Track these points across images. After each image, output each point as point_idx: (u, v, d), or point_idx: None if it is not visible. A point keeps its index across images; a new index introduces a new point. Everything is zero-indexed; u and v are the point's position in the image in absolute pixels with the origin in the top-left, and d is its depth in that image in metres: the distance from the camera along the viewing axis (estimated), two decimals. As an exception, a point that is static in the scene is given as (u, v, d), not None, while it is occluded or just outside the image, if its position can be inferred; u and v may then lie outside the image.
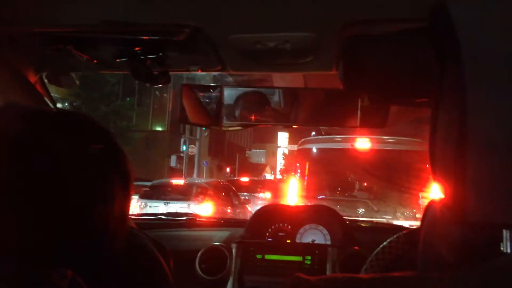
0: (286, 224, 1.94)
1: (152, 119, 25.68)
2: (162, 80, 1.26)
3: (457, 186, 0.48)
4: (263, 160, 36.70)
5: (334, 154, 5.91)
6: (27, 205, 0.59)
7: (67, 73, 1.42)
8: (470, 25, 0.47)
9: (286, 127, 1.46)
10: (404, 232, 0.99)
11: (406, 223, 4.30)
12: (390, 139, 5.62)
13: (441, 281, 0.48)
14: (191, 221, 2.18)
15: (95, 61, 1.25)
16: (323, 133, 6.60)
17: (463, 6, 0.48)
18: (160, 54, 1.19)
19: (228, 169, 29.87)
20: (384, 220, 4.85)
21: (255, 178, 20.18)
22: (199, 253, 1.76)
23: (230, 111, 1.42)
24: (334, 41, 1.09)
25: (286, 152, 32.65)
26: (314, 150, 6.17)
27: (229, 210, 10.36)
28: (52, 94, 1.45)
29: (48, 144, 0.62)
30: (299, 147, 6.36)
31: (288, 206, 2.31)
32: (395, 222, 4.75)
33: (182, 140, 20.90)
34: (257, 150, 37.94)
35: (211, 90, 1.45)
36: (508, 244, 0.48)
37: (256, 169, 33.12)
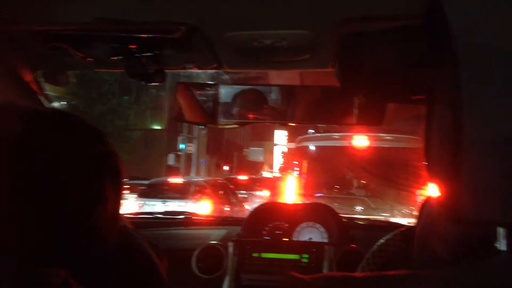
0: (283, 222, 1.94)
1: (150, 117, 25.65)
2: (158, 78, 1.26)
3: (452, 184, 0.48)
4: (261, 158, 36.67)
5: (332, 151, 5.91)
6: (17, 205, 0.59)
7: (63, 71, 1.42)
8: (465, 23, 0.47)
9: (283, 125, 1.45)
10: (401, 229, 0.99)
11: (403, 221, 4.30)
12: (387, 136, 5.62)
13: (436, 279, 0.48)
14: (188, 219, 2.18)
15: (90, 59, 1.24)
16: (321, 131, 6.61)
17: (458, 3, 0.48)
18: (156, 52, 1.18)
19: (226, 167, 29.87)
20: (381, 218, 4.86)
21: (253, 176, 20.15)
22: (196, 252, 1.75)
23: (226, 109, 1.42)
24: (330, 39, 1.09)
25: (285, 150, 32.64)
26: (312, 147, 6.17)
27: (227, 209, 10.35)
28: (49, 93, 1.44)
29: (41, 144, 0.62)
30: (297, 145, 6.35)
31: (285, 204, 2.31)
32: (393, 220, 4.75)
33: (180, 138, 20.88)
34: (255, 148, 37.93)
35: (207, 88, 1.44)
36: (503, 241, 0.48)
37: (254, 167, 33.11)
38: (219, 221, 2.27)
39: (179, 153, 21.39)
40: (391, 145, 5.58)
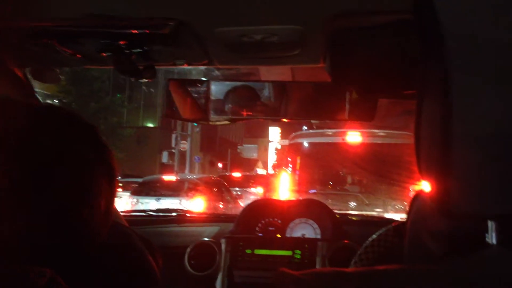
0: (276, 219, 1.94)
1: (143, 115, 25.60)
2: (148, 74, 1.25)
3: (442, 178, 0.47)
4: (255, 155, 36.74)
5: (325, 148, 5.93)
6: (3, 201, 0.58)
7: (51, 68, 1.40)
8: (454, 16, 0.47)
9: (274, 121, 1.45)
10: (393, 225, 0.99)
11: (397, 216, 4.32)
12: (381, 132, 5.64)
13: (427, 273, 0.47)
14: (181, 217, 2.17)
15: (79, 56, 1.23)
16: (314, 127, 6.62)
17: None
18: (145, 48, 1.17)
19: (220, 165, 29.88)
20: (375, 214, 4.88)
21: (247, 173, 20.17)
22: (188, 249, 1.75)
23: (218, 105, 1.41)
24: (321, 34, 1.09)
25: (278, 147, 32.70)
26: (305, 144, 6.18)
27: (221, 206, 10.36)
28: (41, 91, 1.43)
29: (33, 139, 0.61)
30: (290, 142, 6.36)
31: (278, 200, 2.31)
32: (386, 215, 4.78)
33: (174, 136, 20.85)
34: (249, 145, 37.97)
35: (198, 85, 1.43)
36: (494, 235, 0.48)
37: (248, 164, 33.15)
38: (212, 218, 2.26)
39: (172, 150, 21.36)
40: (384, 141, 5.60)
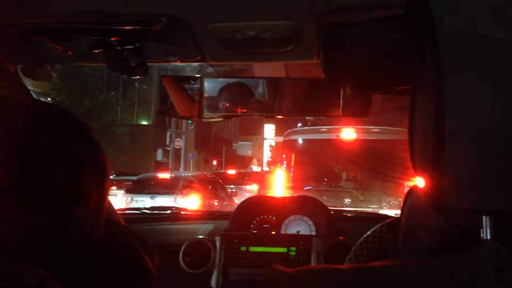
0: (270, 216, 1.94)
1: (137, 113, 25.54)
2: (140, 71, 1.24)
3: (436, 173, 0.47)
4: (249, 153, 36.81)
5: (320, 144, 5.94)
6: (5, 201, 0.57)
7: (43, 65, 1.39)
8: (448, 12, 0.46)
9: (268, 118, 1.45)
10: (388, 221, 0.99)
11: (391, 212, 4.34)
12: (375, 129, 5.66)
13: (421, 269, 0.47)
14: (175, 214, 2.16)
15: (70, 52, 1.22)
16: (309, 124, 6.63)
17: None
18: (137, 44, 1.16)
19: (214, 162, 29.87)
20: (370, 210, 4.89)
21: (242, 171, 20.20)
22: (183, 247, 1.74)
23: (211, 102, 1.40)
24: (314, 29, 1.08)
25: (273, 144, 32.74)
26: (300, 141, 6.19)
27: (216, 203, 10.36)
28: (33, 89, 1.42)
29: (29, 138, 0.60)
30: (285, 139, 6.37)
31: (272, 197, 2.31)
32: (381, 212, 4.79)
33: (168, 133, 20.82)
34: (244, 142, 38.02)
35: (192, 81, 1.43)
36: (488, 230, 0.48)
37: (243, 162, 33.18)
38: (206, 215, 2.26)
39: (167, 148, 21.33)
40: (378, 137, 5.62)
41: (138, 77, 1.26)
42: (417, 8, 0.49)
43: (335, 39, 1.06)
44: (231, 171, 17.38)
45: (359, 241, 0.99)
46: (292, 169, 6.05)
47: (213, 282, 1.67)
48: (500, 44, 0.45)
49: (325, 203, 2.00)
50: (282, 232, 1.89)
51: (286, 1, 1.00)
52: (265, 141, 36.74)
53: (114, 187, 11.93)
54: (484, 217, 0.48)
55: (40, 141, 0.61)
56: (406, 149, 0.55)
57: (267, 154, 34.70)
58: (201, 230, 1.93)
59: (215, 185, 11.21)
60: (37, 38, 1.13)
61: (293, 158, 6.08)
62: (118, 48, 1.15)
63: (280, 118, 1.50)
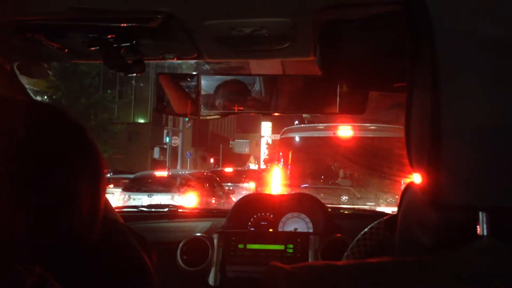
0: (268, 213, 1.94)
1: (134, 111, 25.51)
2: (137, 68, 1.23)
3: (432, 170, 0.47)
4: (247, 150, 36.79)
5: (317, 142, 5.95)
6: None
7: (39, 63, 1.38)
8: (444, 9, 0.46)
9: (265, 115, 1.45)
10: (385, 218, 0.99)
11: (388, 209, 4.35)
12: (372, 126, 5.67)
13: (418, 265, 0.47)
14: (172, 212, 2.16)
15: (66, 50, 1.21)
16: (306, 121, 6.63)
17: None
18: (134, 42, 1.16)
19: (212, 160, 29.86)
20: (366, 207, 4.90)
21: (239, 168, 20.20)
22: (181, 244, 1.74)
23: (208, 99, 1.40)
24: (310, 26, 1.08)
25: (270, 141, 32.75)
26: (297, 138, 6.19)
27: (213, 201, 10.36)
28: (29, 87, 1.41)
29: (18, 136, 0.60)
30: (282, 136, 6.38)
31: (270, 195, 2.31)
32: (378, 209, 4.80)
33: (165, 131, 20.80)
34: (241, 140, 38.00)
35: (188, 79, 1.42)
36: (485, 226, 0.48)
37: (240, 159, 33.19)
38: (204, 213, 2.26)
39: (164, 146, 21.31)
40: (375, 135, 5.63)
41: (134, 74, 1.26)
42: (413, 5, 0.49)
43: (331, 36, 1.06)
44: (228, 169, 17.37)
45: (356, 238, 1.00)
46: (289, 167, 6.06)
47: (210, 279, 1.67)
48: (496, 43, 0.45)
49: (322, 201, 2.00)
50: (280, 229, 1.89)
51: None
52: (262, 139, 36.75)
53: (111, 185, 11.92)
54: (480, 213, 0.48)
55: (34, 140, 0.60)
56: (403, 147, 0.55)
57: (264, 152, 34.71)
58: (199, 228, 1.93)
59: (212, 183, 11.21)
60: (33, 36, 1.12)
61: (290, 156, 6.09)
62: (114, 45, 1.15)
63: (277, 115, 1.50)
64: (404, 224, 0.63)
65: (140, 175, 11.15)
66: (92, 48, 1.16)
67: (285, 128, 6.38)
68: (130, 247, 0.76)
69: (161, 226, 2.01)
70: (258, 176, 15.10)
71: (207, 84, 1.40)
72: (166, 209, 2.20)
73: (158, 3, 1.01)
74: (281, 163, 6.14)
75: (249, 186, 14.36)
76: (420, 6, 0.47)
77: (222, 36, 1.15)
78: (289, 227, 1.90)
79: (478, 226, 0.48)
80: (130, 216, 2.14)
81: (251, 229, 1.91)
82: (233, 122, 38.25)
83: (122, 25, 1.08)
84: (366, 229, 0.99)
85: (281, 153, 6.26)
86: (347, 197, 5.62)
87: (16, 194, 0.58)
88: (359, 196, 5.59)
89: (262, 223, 1.93)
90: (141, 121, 25.59)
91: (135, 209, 2.35)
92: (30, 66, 1.36)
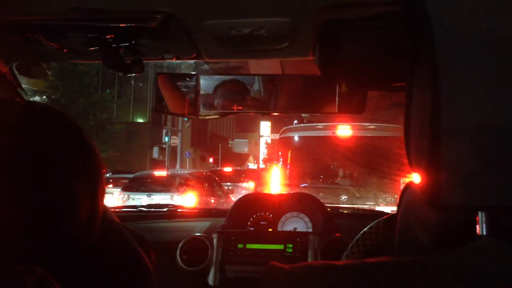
0: (267, 213, 1.94)
1: (133, 110, 25.49)
2: (136, 68, 1.23)
3: (432, 170, 0.47)
4: (246, 150, 36.80)
5: (316, 141, 5.95)
6: None
7: (38, 63, 1.38)
8: (443, 8, 0.46)
9: (264, 115, 1.45)
10: (384, 217, 0.99)
11: (388, 209, 4.35)
12: (371, 125, 5.67)
13: (417, 265, 0.47)
14: (172, 212, 2.16)
15: (65, 50, 1.21)
16: (305, 121, 6.63)
17: None
18: (133, 42, 1.16)
19: (211, 160, 29.86)
20: (366, 207, 4.90)
21: (238, 168, 20.17)
22: (180, 244, 1.74)
23: (207, 99, 1.40)
24: (310, 26, 1.08)
25: (269, 141, 32.75)
26: (296, 138, 6.19)
27: (212, 201, 10.35)
28: (29, 87, 1.41)
29: (13, 137, 0.60)
30: (281, 136, 6.37)
31: (269, 195, 2.31)
32: (377, 208, 4.81)
33: (164, 131, 20.79)
34: (240, 140, 38.01)
35: (187, 79, 1.42)
36: (484, 226, 0.48)
37: (239, 159, 33.18)
38: (203, 213, 2.25)
39: (163, 146, 21.30)
40: (374, 134, 5.63)
41: (133, 74, 1.26)
42: (413, 4, 0.49)
43: (330, 36, 1.06)
44: (228, 169, 17.35)
45: (356, 237, 0.99)
46: (288, 166, 6.06)
47: (210, 279, 1.67)
48: (496, 42, 0.45)
49: (321, 200, 2.00)
50: (279, 229, 1.89)
51: None
52: (261, 138, 36.73)
53: (111, 185, 11.91)
54: (480, 213, 0.48)
55: (33, 141, 0.60)
56: (402, 146, 0.55)
57: (263, 152, 34.71)
58: (198, 228, 1.93)
59: (211, 182, 11.20)
60: (32, 36, 1.12)
61: (289, 155, 6.08)
62: (113, 45, 1.15)
63: (276, 115, 1.51)
64: (404, 224, 0.63)
65: (139, 174, 11.14)
66: (91, 48, 1.16)
67: (284, 128, 6.38)
68: (129, 247, 0.76)
69: (161, 226, 2.00)
70: (257, 176, 15.10)
71: (206, 84, 1.40)
72: (165, 209, 2.20)
73: (157, 3, 1.01)
74: (280, 162, 6.14)
75: (248, 186, 14.36)
76: (420, 6, 0.47)
77: (222, 36, 1.15)
78: (289, 227, 1.90)
79: (477, 226, 0.48)
80: (130, 216, 2.14)
81: (251, 228, 1.91)
82: (232, 122, 38.25)
83: (121, 25, 1.08)
84: (365, 229, 0.99)
85: (280, 153, 6.26)
86: (346, 197, 5.62)
87: (15, 195, 0.58)
88: (358, 195, 5.59)
89: (262, 222, 1.93)
90: (140, 120, 25.58)
91: (135, 209, 2.35)
92: (29, 66, 1.36)
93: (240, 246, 1.71)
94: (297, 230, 1.88)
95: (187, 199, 9.47)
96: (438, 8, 0.46)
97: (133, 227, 1.90)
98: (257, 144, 37.44)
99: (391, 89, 1.15)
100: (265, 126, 36.35)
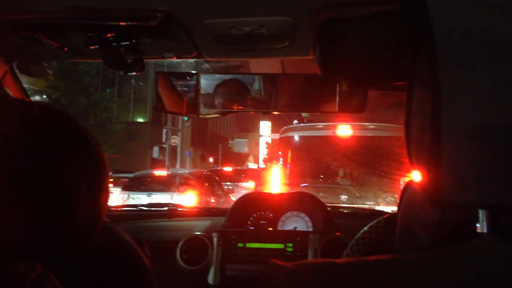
0: (267, 212, 1.94)
1: (133, 110, 25.49)
2: (136, 67, 1.23)
3: (432, 168, 0.47)
4: (246, 150, 36.78)
5: (316, 141, 5.94)
6: None
7: (38, 62, 1.38)
8: (443, 6, 0.46)
9: (264, 114, 1.45)
10: (385, 216, 0.99)
11: (388, 208, 4.35)
12: (371, 125, 5.66)
13: (417, 262, 0.47)
14: (172, 211, 2.16)
15: (66, 49, 1.21)
16: (305, 121, 6.62)
17: None
18: (133, 41, 1.16)
19: (211, 159, 29.85)
20: (366, 206, 4.90)
21: (239, 168, 20.17)
22: (180, 243, 1.74)
23: (207, 98, 1.40)
24: (310, 25, 1.08)
25: (269, 141, 32.74)
26: (296, 138, 6.18)
27: (212, 200, 10.35)
28: (29, 86, 1.42)
29: (10, 135, 0.60)
30: (281, 135, 6.37)
31: (269, 194, 2.31)
32: (377, 208, 4.81)
33: (164, 131, 20.78)
34: (240, 139, 37.99)
35: (188, 78, 1.42)
36: (484, 224, 0.48)
37: (239, 159, 33.18)
38: (203, 212, 2.26)
39: (163, 145, 21.30)
40: (374, 134, 5.62)
41: (134, 73, 1.26)
42: (413, 4, 0.49)
43: (331, 35, 1.06)
44: (228, 168, 17.35)
45: (356, 237, 1.00)
46: (288, 166, 6.05)
47: (210, 278, 1.68)
48: (497, 39, 0.45)
49: (321, 200, 2.00)
50: (279, 228, 1.89)
51: None
52: (261, 138, 36.71)
53: (111, 185, 11.89)
54: (480, 211, 0.48)
55: (34, 141, 0.60)
56: (402, 146, 0.55)
57: (263, 151, 34.69)
58: (198, 227, 1.93)
59: (211, 182, 11.20)
60: (33, 35, 1.12)
61: (289, 155, 6.08)
62: (114, 44, 1.15)
63: (276, 114, 1.51)
64: (404, 222, 0.64)
65: (140, 174, 11.14)
66: (92, 47, 1.16)
67: (285, 127, 6.37)
68: (127, 246, 0.76)
69: (161, 225, 2.01)
70: (258, 175, 15.09)
71: (206, 83, 1.40)
72: (165, 208, 2.20)
73: (158, 2, 1.01)
74: (281, 162, 6.14)
75: (249, 185, 14.36)
76: (420, 5, 0.47)
77: (222, 35, 1.15)
78: (289, 226, 1.90)
79: (478, 224, 0.48)
80: (130, 215, 2.14)
81: (251, 228, 1.91)
82: (232, 122, 38.26)
83: (121, 24, 1.08)
84: (365, 228, 0.99)
85: (280, 152, 6.25)
86: (346, 196, 5.61)
87: (15, 194, 0.58)
88: (358, 195, 5.59)
89: (262, 222, 1.93)
90: (141, 120, 25.57)
91: (135, 208, 2.35)
92: (30, 65, 1.36)
93: (240, 245, 1.72)
94: (297, 229, 1.88)
95: (187, 199, 9.47)
96: (438, 7, 0.46)
97: (133, 226, 1.91)
98: (257, 143, 37.41)
99: (391, 88, 1.15)
100: (265, 126, 36.32)
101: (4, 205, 0.58)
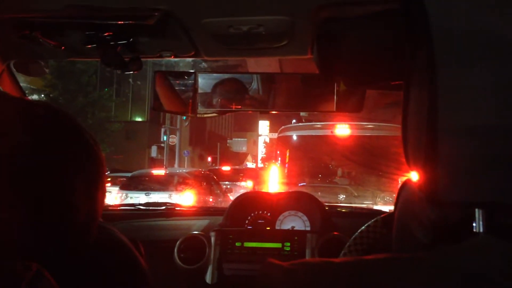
0: (265, 212, 1.94)
1: (132, 109, 25.47)
2: (134, 66, 1.23)
3: (429, 167, 0.47)
4: (244, 149, 36.80)
5: (314, 141, 5.95)
6: None
7: (36, 61, 1.38)
8: (442, 6, 0.46)
9: (262, 113, 1.45)
10: (382, 216, 0.99)
11: (386, 208, 4.35)
12: (369, 125, 5.67)
13: (414, 262, 0.47)
14: (170, 210, 2.16)
15: (63, 48, 1.21)
16: (303, 120, 6.63)
17: None
18: (131, 39, 1.16)
19: (209, 159, 29.84)
20: (364, 206, 4.91)
21: (237, 167, 20.18)
22: (178, 242, 1.74)
23: (205, 97, 1.40)
24: (308, 24, 1.08)
25: (267, 140, 32.74)
26: (294, 137, 6.19)
27: (211, 199, 10.35)
28: (26, 85, 1.41)
29: (9, 134, 0.59)
30: (279, 135, 6.38)
31: (267, 193, 2.31)
32: (375, 207, 4.81)
33: (163, 130, 20.77)
34: (238, 139, 38.01)
35: (186, 77, 1.42)
36: (481, 223, 0.48)
37: (237, 158, 33.20)
38: (201, 211, 2.26)
39: (161, 145, 21.28)
40: (372, 133, 5.64)
41: (132, 72, 1.26)
42: (412, 3, 0.49)
43: (329, 34, 1.06)
44: (226, 168, 17.35)
45: (354, 236, 1.00)
46: (286, 165, 6.06)
47: (208, 277, 1.68)
48: (495, 39, 0.45)
49: (319, 199, 2.00)
50: (277, 227, 1.89)
51: None
52: (259, 137, 36.72)
53: (109, 184, 11.90)
54: (476, 210, 0.48)
55: (32, 141, 0.60)
56: (400, 145, 0.55)
57: (261, 151, 34.71)
58: (196, 226, 1.93)
59: (209, 181, 11.20)
60: (30, 33, 1.12)
61: (287, 154, 6.09)
62: (111, 43, 1.15)
63: (274, 114, 1.50)
64: (401, 222, 0.64)
65: (138, 173, 11.13)
66: (89, 46, 1.16)
67: (283, 127, 6.38)
68: (123, 246, 0.76)
69: (159, 224, 2.01)
70: (256, 175, 15.11)
71: (204, 82, 1.40)
72: (163, 207, 2.20)
73: (156, 0, 1.01)
74: (279, 161, 6.14)
75: (247, 185, 14.37)
76: (419, 5, 0.47)
77: (220, 34, 1.14)
78: (287, 225, 1.90)
79: (474, 223, 0.48)
80: (128, 214, 2.14)
81: (249, 227, 1.91)
82: (230, 121, 38.27)
83: (119, 22, 1.08)
84: (363, 227, 0.99)
85: (278, 152, 6.26)
86: (344, 196, 5.62)
87: (15, 194, 0.58)
88: (356, 194, 5.60)
89: (260, 221, 1.93)
90: (139, 119, 25.55)
91: (133, 207, 2.35)
92: (27, 64, 1.36)
93: (238, 244, 1.72)
94: (295, 228, 1.88)
95: (186, 198, 9.47)
96: (436, 7, 0.46)
97: (131, 225, 1.91)
98: (255, 143, 37.44)
99: (389, 88, 1.15)
100: (263, 125, 36.34)
101: (3, 205, 0.57)
